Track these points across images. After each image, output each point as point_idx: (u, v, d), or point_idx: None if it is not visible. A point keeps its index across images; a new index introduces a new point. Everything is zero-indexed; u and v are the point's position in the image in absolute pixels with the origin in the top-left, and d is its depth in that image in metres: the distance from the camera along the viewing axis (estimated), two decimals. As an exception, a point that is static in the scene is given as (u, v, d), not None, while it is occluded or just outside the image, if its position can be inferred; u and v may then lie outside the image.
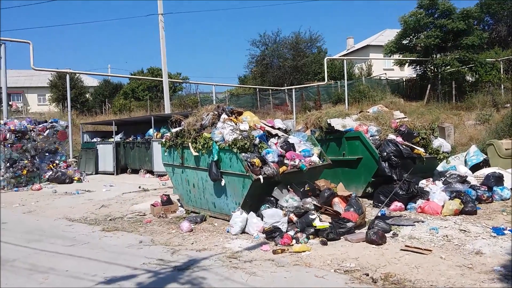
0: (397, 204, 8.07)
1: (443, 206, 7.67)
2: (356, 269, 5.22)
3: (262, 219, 7.04)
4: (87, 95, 40.62)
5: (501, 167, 9.88)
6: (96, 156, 17.64)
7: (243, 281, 4.92)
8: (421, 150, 9.10)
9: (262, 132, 7.98)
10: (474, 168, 10.68)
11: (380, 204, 8.16)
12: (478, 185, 8.72)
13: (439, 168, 10.08)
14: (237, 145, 7.39)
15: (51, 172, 14.70)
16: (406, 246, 5.99)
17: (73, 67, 58.78)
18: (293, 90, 27.86)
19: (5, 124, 14.15)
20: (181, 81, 36.50)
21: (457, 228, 6.77)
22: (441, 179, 8.77)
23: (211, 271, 5.28)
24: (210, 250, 6.24)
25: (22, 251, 6.43)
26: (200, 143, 8.08)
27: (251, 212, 7.24)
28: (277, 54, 33.96)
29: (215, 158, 7.71)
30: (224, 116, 8.19)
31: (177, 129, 8.83)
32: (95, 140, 18.62)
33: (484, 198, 8.27)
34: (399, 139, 9.08)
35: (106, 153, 17.44)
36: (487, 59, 26.44)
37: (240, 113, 8.44)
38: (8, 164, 13.81)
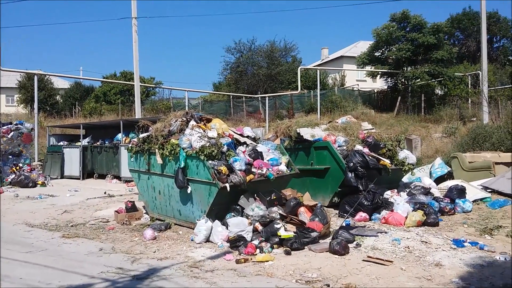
0: (362, 215, 8.14)
1: (406, 217, 7.77)
2: (317, 279, 5.21)
3: (227, 228, 6.98)
4: (57, 97, 39.68)
5: (464, 179, 10.12)
6: (62, 160, 17.21)
7: (203, 292, 4.85)
8: (387, 161, 9.22)
9: (230, 139, 7.93)
10: (439, 180, 10.91)
11: (345, 214, 8.21)
12: (442, 197, 8.89)
13: (404, 179, 10.25)
14: (205, 152, 7.32)
15: (13, 176, 14.25)
16: (368, 257, 6.03)
17: (44, 69, 57.55)
18: (267, 98, 27.96)
19: (-35, 124, 13.69)
20: (154, 85, 36.13)
21: (419, 240, 6.86)
22: (406, 191, 8.90)
23: (171, 281, 5.18)
24: (172, 259, 6.14)
25: (-26, 257, 6.17)
26: (167, 149, 7.97)
27: (216, 221, 7.18)
28: (252, 62, 34.09)
29: (182, 165, 7.62)
30: (192, 122, 8.12)
31: (145, 134, 8.70)
32: (61, 143, 18.17)
33: (446, 210, 8.42)
34: (366, 150, 9.19)
35: (72, 157, 17.03)
36: (455, 73, 27.19)
37: (209, 120, 8.38)
38: (-32, 166, 13.36)
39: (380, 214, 8.12)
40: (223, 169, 7.20)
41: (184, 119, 8.25)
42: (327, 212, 7.46)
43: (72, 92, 39.88)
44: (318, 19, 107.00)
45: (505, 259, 5.85)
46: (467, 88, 26.58)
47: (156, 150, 8.18)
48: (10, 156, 14.68)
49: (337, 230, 6.97)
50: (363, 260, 5.89)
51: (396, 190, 8.97)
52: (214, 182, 7.13)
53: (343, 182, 9.00)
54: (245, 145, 8.14)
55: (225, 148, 7.59)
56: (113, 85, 37.03)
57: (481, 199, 9.15)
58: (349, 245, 6.46)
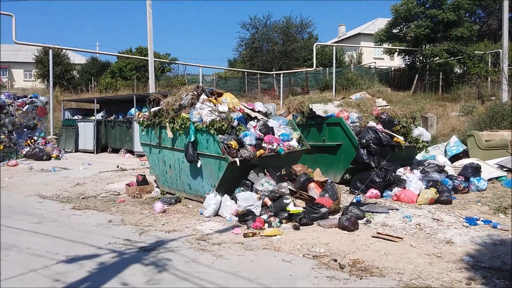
0: (373, 191, 8.03)
1: (418, 195, 7.64)
2: (325, 254, 5.16)
3: (236, 202, 6.95)
4: (73, 72, 39.86)
5: (480, 158, 9.90)
6: (77, 133, 17.33)
7: (209, 264, 4.83)
8: (400, 138, 9.04)
9: (241, 114, 7.84)
10: (454, 158, 10.70)
11: (356, 191, 8.12)
12: (456, 175, 8.72)
13: (418, 157, 10.06)
14: (215, 127, 7.25)
15: (28, 148, 14.40)
16: (377, 233, 5.95)
17: (61, 44, 57.70)
18: (281, 75, 27.67)
19: (-19, 97, 13.81)
20: (168, 61, 35.94)
21: (430, 217, 6.74)
22: (419, 168, 8.75)
23: (178, 253, 5.18)
24: (180, 232, 6.14)
25: (-14, 227, 6.26)
26: (177, 123, 7.92)
27: (226, 195, 7.15)
28: (267, 38, 33.59)
29: (192, 139, 7.58)
30: (203, 96, 8.02)
31: (156, 108, 8.65)
32: (76, 117, 18.29)
33: (460, 188, 8.26)
34: (379, 127, 9.01)
35: (87, 131, 17.14)
36: (475, 52, 26.44)
37: (220, 94, 8.28)
38: (-17, 138, 13.53)
39: (391, 191, 8.00)
40: (233, 143, 7.13)
41: (195, 93, 8.16)
42: (337, 188, 7.36)
43: (89, 68, 39.97)
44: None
45: (518, 237, 5.71)
46: (487, 67, 25.86)
47: (167, 124, 8.14)
48: (25, 129, 14.80)
49: (347, 206, 6.89)
50: (372, 236, 5.82)
51: (409, 168, 8.83)
52: (224, 156, 7.08)
53: (355, 158, 8.87)
54: (256, 120, 8.04)
55: (235, 123, 7.51)
56: (129, 60, 37.00)
57: (496, 178, 8.96)
58: (359, 221, 6.39)
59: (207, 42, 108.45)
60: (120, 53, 38.02)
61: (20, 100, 14.72)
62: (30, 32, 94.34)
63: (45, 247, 5.35)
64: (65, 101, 20.44)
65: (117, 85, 33.72)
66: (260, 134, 7.65)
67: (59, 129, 18.91)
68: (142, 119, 9.09)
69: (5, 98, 14.31)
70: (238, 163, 7.04)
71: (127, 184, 9.07)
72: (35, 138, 14.92)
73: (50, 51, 20.28)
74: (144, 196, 8.69)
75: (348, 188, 8.78)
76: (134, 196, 8.64)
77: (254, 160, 7.23)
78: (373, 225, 6.41)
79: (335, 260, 4.96)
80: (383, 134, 8.81)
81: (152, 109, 8.68)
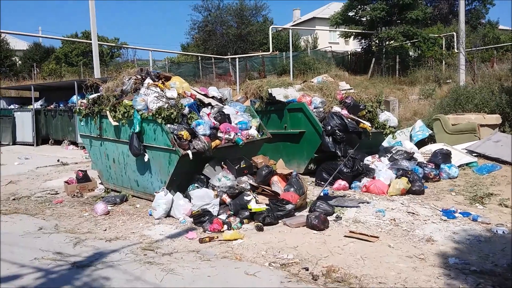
0: (341, 183, 7.38)
1: (389, 185, 7.07)
2: (294, 261, 4.44)
3: (190, 201, 6.11)
4: (14, 59, 37.18)
5: (447, 143, 9.48)
6: (14, 125, 15.74)
7: (157, 282, 4.00)
8: (367, 124, 8.44)
9: (192, 100, 6.92)
10: (420, 144, 10.27)
11: (323, 183, 7.44)
12: (425, 162, 8.23)
13: (385, 143, 9.54)
14: (162, 115, 6.33)
15: (-45, 143, 12.85)
16: (350, 232, 5.30)
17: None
18: (237, 59, 26.66)
19: None
20: (115, 44, 34.09)
21: (405, 210, 6.17)
22: (387, 156, 8.20)
23: (119, 269, 4.30)
24: (125, 239, 5.25)
25: None
26: (120, 111, 6.94)
27: (178, 193, 6.30)
28: (221, 21, 32.38)
29: (137, 130, 6.63)
30: (148, 81, 7.04)
31: (94, 95, 7.58)
32: (12, 106, 16.64)
33: (431, 177, 7.76)
34: (345, 112, 8.37)
35: (24, 122, 15.59)
36: (430, 35, 26.53)
37: (168, 78, 7.32)
38: None
39: (360, 182, 7.38)
40: (185, 134, 6.23)
41: (139, 77, 7.16)
42: (303, 181, 6.65)
43: (31, 54, 37.43)
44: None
45: (503, 232, 5.22)
46: (441, 50, 26.02)
47: (108, 113, 7.13)
48: (-49, 121, 13.21)
49: (314, 201, 6.21)
50: (345, 236, 5.17)
51: (377, 156, 8.26)
52: (174, 149, 6.19)
53: (320, 147, 8.18)
54: (210, 107, 7.14)
55: (186, 110, 6.59)
56: (75, 46, 34.87)
57: (466, 164, 8.53)
58: (329, 218, 5.74)
59: (158, 27, 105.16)
60: (64, 37, 35.74)
61: None
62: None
63: (-50, 269, 4.31)
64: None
65: (61, 72, 31.65)
66: (215, 122, 6.78)
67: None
68: (78, 107, 7.98)
69: None
70: (190, 156, 6.16)
71: (65, 182, 8.01)
72: (-37, 131, 13.32)
73: (-19, 35, 18.32)
74: (86, 195, 7.72)
75: (313, 180, 8.08)
76: (74, 195, 7.64)
77: (209, 152, 6.37)
78: (344, 221, 5.76)
79: (307, 269, 4.25)
80: (349, 120, 8.17)
81: (90, 96, 7.59)
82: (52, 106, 15.60)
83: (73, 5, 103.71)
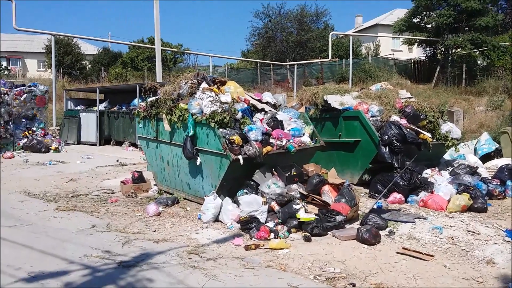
0: (396, 196, 7.05)
1: (449, 201, 6.66)
2: (341, 275, 4.25)
3: (238, 206, 6.07)
4: (84, 62, 39.35)
5: (516, 158, 8.83)
6: (79, 125, 16.57)
7: (198, 287, 3.95)
8: (427, 135, 8.03)
9: (246, 105, 6.91)
10: (485, 158, 9.63)
11: (377, 195, 7.15)
12: (490, 178, 7.69)
13: (446, 156, 9.03)
14: (215, 119, 6.35)
15: (26, 140, 13.65)
16: (403, 248, 5.01)
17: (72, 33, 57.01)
18: (295, 66, 26.58)
19: (-24, 85, 13.07)
20: (176, 50, 35.10)
21: (465, 229, 5.77)
22: (448, 169, 7.75)
23: (163, 271, 4.31)
24: (172, 242, 5.28)
25: (-51, 231, 5.47)
26: (175, 115, 7.04)
27: (227, 198, 6.27)
28: (281, 27, 32.44)
29: (191, 133, 6.69)
30: (204, 85, 7.11)
31: (152, 98, 7.78)
32: (79, 108, 17.52)
33: (496, 194, 7.25)
34: (404, 122, 8.01)
35: (89, 123, 16.37)
36: (501, 43, 25.03)
37: (223, 83, 7.35)
38: (-22, 128, 12.83)
39: (418, 196, 7.01)
40: (236, 138, 6.21)
41: (195, 81, 7.25)
42: (355, 192, 6.41)
43: (100, 58, 39.54)
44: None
45: None
46: (513, 59, 24.46)
47: (164, 116, 7.27)
48: (23, 120, 14.03)
49: (367, 213, 5.95)
50: (398, 253, 4.89)
51: (436, 169, 7.82)
52: (225, 153, 6.18)
53: (375, 157, 7.88)
54: (263, 113, 7.10)
55: (239, 115, 6.59)
56: (141, 51, 36.41)
57: (536, 182, 7.87)
58: (381, 232, 5.47)
59: (220, 33, 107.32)
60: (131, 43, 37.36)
61: (17, 89, 13.95)
62: (40, 21, 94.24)
63: (9, 259, 4.52)
64: (68, 91, 19.70)
65: (127, 76, 33.07)
66: (268, 128, 6.72)
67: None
68: (137, 109, 8.22)
69: (1, 87, 13.53)
70: (241, 161, 6.13)
71: (122, 182, 8.26)
72: (34, 129, 14.15)
73: (52, 39, 19.48)
74: (140, 195, 7.89)
75: (367, 191, 7.79)
76: (129, 195, 7.84)
77: (260, 158, 6.31)
78: (398, 237, 5.47)
79: (354, 285, 4.05)
80: (408, 130, 7.81)
81: (149, 99, 7.80)
82: (115, 108, 16.26)
83: (141, 12, 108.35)
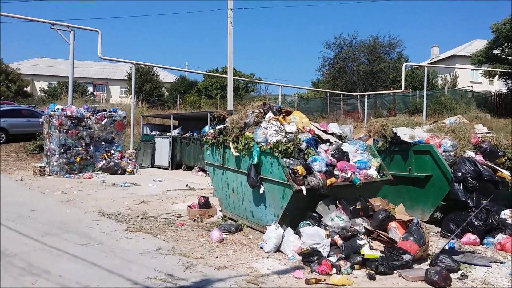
0: (470, 237, 6.60)
1: (530, 245, 6.11)
2: (405, 319, 4.01)
3: (300, 238, 5.98)
4: (162, 90, 41.56)
5: None
6: (154, 149, 17.36)
7: (255, 319, 3.91)
8: (506, 173, 7.49)
9: (311, 136, 6.90)
10: None
11: (449, 234, 6.73)
12: None
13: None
14: (279, 149, 6.39)
15: (104, 162, 14.53)
16: (476, 294, 4.65)
17: (152, 62, 60.56)
18: (366, 96, 26.21)
19: (62, 109, 14.16)
20: (248, 79, 35.98)
21: (549, 278, 5.25)
22: (530, 211, 7.13)
23: (221, 299, 4.32)
24: (232, 269, 5.30)
25: (30, 245, 5.90)
26: (241, 143, 7.18)
27: (289, 228, 6.21)
28: (352, 58, 32.25)
29: (255, 162, 6.77)
30: (270, 114, 7.21)
31: (220, 126, 8.01)
32: (154, 133, 18.40)
33: None
34: (479, 158, 7.55)
35: (163, 147, 17.09)
36: None
37: (288, 113, 7.42)
38: (62, 150, 13.80)
39: (494, 238, 6.51)
40: (300, 169, 6.19)
41: (261, 110, 7.38)
42: (425, 230, 6.09)
43: (177, 86, 41.67)
44: (428, 14, 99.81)
45: None
46: None
47: (230, 143, 7.44)
48: (103, 143, 14.99)
49: (437, 254, 5.61)
50: (470, 299, 4.54)
51: (517, 210, 7.23)
52: (288, 183, 6.16)
53: (448, 194, 7.46)
54: (328, 143, 7.03)
55: (303, 145, 6.58)
56: (215, 79, 37.88)
57: None
58: (452, 275, 5.12)
59: (292, 63, 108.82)
60: (206, 72, 39.00)
61: (99, 113, 14.97)
62: (122, 51, 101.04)
63: (78, 276, 4.78)
64: (145, 116, 20.80)
65: (201, 103, 34.37)
66: (333, 159, 6.63)
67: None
68: (206, 137, 8.49)
69: (84, 111, 14.60)
70: (304, 191, 6.08)
71: (189, 206, 8.48)
72: (112, 152, 15.05)
73: (133, 67, 20.86)
74: (205, 221, 8.03)
75: (438, 230, 7.36)
76: (195, 219, 8.02)
77: (324, 190, 6.22)
78: (471, 281, 5.09)
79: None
80: (484, 167, 7.35)
81: (217, 127, 8.03)
82: (187, 134, 16.88)
83: (217, 42, 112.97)
